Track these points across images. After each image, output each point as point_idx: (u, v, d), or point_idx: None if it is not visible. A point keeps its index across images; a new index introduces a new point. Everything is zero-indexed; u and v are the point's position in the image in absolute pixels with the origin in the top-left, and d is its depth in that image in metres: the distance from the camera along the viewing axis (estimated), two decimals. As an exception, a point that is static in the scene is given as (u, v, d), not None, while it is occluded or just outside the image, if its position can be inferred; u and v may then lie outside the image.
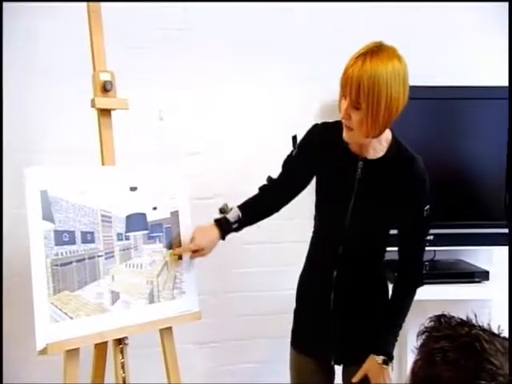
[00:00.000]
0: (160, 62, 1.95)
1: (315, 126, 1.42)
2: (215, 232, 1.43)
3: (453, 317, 0.74)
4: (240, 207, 1.45)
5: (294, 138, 1.44)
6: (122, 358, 1.39)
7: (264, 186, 1.48)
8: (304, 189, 1.48)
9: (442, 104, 1.99)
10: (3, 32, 1.77)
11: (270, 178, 1.48)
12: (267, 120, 2.07)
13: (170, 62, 1.96)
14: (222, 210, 1.46)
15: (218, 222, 1.45)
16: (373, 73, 1.16)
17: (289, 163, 1.45)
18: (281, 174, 1.46)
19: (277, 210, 1.51)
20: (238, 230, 1.47)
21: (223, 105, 2.04)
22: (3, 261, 1.76)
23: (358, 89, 1.17)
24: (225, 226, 1.43)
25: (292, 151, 1.44)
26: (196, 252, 1.46)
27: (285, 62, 2.04)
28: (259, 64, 2.03)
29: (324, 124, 1.41)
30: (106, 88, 1.42)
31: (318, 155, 1.39)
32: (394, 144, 1.34)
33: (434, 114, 2.01)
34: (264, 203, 1.49)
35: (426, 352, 0.70)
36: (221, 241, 1.45)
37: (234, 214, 1.44)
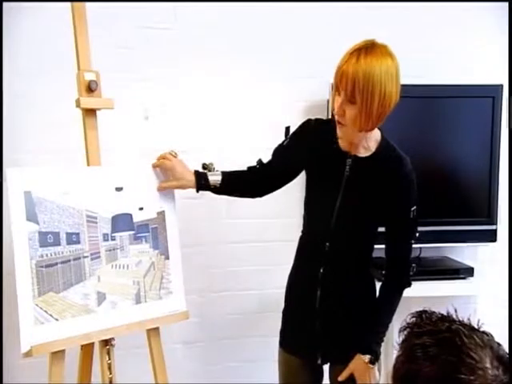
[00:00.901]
0: (146, 61, 1.95)
1: (309, 121, 1.42)
2: (192, 176, 1.41)
3: (434, 312, 0.75)
4: (223, 174, 1.43)
5: (287, 128, 1.44)
6: (109, 359, 1.38)
7: (253, 167, 1.47)
8: (290, 181, 1.47)
9: (424, 102, 2.01)
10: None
11: (260, 161, 1.47)
12: (253, 118, 2.07)
13: (155, 61, 1.96)
14: (205, 167, 1.44)
15: (197, 173, 1.43)
16: (367, 69, 1.17)
17: (279, 152, 1.45)
18: (269, 162, 1.46)
19: (256, 194, 1.50)
20: (212, 192, 1.44)
21: (209, 104, 2.04)
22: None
23: (354, 83, 1.19)
24: (202, 182, 1.41)
25: (283, 141, 1.45)
26: (168, 182, 1.45)
27: (271, 62, 2.04)
28: (245, 63, 2.03)
29: (317, 120, 1.42)
30: (90, 88, 1.41)
31: (308, 149, 1.39)
32: (383, 143, 1.35)
33: (418, 113, 2.02)
34: (247, 182, 1.47)
35: (408, 348, 0.71)
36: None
37: (214, 178, 1.41)
